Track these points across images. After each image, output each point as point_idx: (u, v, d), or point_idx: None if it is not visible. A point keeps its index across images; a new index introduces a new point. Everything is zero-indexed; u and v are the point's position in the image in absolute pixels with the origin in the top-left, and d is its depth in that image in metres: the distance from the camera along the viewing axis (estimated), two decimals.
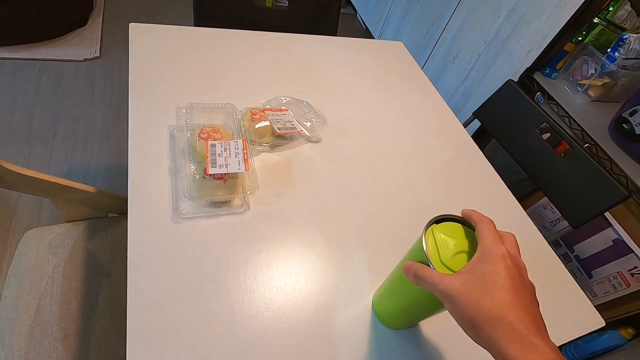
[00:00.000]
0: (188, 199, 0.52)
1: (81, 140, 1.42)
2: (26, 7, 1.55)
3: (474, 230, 0.40)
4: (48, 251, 0.68)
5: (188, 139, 0.55)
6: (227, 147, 0.53)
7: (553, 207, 1.22)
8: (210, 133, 0.55)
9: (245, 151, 0.53)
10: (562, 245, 1.20)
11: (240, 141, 0.53)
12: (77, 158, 1.37)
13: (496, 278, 0.30)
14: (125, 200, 0.80)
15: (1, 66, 1.55)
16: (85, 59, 1.69)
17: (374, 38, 2.28)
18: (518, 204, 0.73)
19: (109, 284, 0.67)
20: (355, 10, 2.53)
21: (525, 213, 0.72)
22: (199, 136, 0.55)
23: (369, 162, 0.69)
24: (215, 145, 0.52)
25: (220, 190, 0.51)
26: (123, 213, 0.80)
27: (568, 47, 1.23)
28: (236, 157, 0.52)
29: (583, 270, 1.14)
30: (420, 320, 0.49)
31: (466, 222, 0.40)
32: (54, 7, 1.65)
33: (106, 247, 0.72)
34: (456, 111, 1.71)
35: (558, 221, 1.22)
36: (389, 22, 2.09)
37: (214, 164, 0.50)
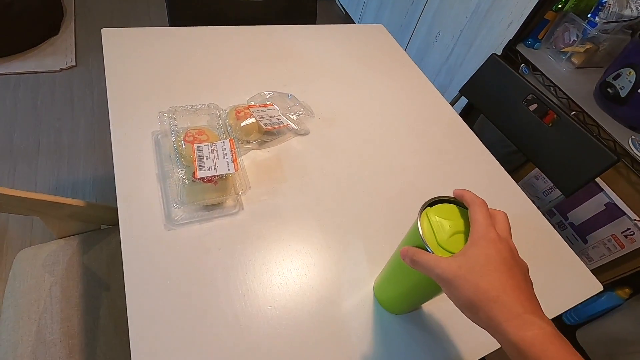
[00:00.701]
0: (179, 204, 0.51)
1: (66, 152, 1.40)
2: None
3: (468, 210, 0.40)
4: (43, 270, 0.67)
5: (173, 144, 0.54)
6: (214, 148, 0.52)
7: (545, 177, 1.24)
8: (196, 135, 0.54)
9: (233, 151, 0.52)
10: (556, 214, 1.22)
11: (227, 141, 0.53)
12: (64, 171, 1.34)
13: (490, 261, 0.31)
14: (116, 210, 0.79)
15: None
16: (62, 69, 1.65)
17: (354, 22, 2.25)
18: (510, 177, 0.73)
19: (108, 297, 0.66)
20: None
21: (517, 186, 0.72)
22: (185, 139, 0.54)
23: (358, 150, 0.68)
24: (201, 147, 0.51)
25: (211, 193, 0.51)
26: (116, 224, 0.79)
27: (549, 15, 1.23)
28: (224, 157, 0.51)
29: (578, 236, 1.15)
30: (421, 304, 0.50)
31: (459, 202, 0.40)
32: (24, 17, 1.60)
33: (102, 259, 0.71)
34: (442, 89, 1.70)
35: (550, 190, 1.23)
36: (368, 5, 2.06)
37: (202, 167, 0.49)
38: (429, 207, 0.39)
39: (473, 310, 0.31)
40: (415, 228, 0.38)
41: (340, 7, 2.43)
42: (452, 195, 0.40)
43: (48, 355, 0.59)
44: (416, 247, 0.37)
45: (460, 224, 0.38)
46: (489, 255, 0.31)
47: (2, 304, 0.65)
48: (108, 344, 0.62)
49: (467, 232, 0.37)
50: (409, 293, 0.45)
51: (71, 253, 0.70)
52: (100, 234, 0.75)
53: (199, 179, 0.50)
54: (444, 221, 0.38)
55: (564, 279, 0.60)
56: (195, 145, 0.51)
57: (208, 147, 0.51)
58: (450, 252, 0.35)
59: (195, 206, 0.52)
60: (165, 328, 0.42)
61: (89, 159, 1.40)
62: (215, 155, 0.51)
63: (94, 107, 1.57)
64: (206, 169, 0.49)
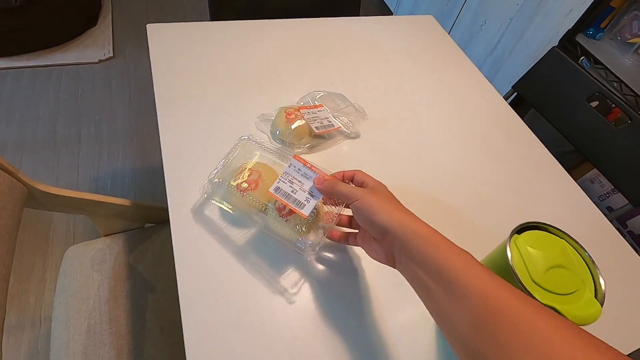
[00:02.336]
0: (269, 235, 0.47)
1: (105, 144, 1.42)
2: (37, 13, 1.53)
3: (563, 238, 0.35)
4: (91, 268, 0.68)
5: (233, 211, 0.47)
6: (289, 177, 0.43)
7: (602, 180, 1.14)
8: (249, 180, 0.46)
9: (309, 165, 0.43)
10: (613, 221, 1.13)
11: (294, 161, 0.43)
12: (104, 163, 1.37)
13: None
14: (160, 209, 0.78)
15: (20, 75, 1.55)
16: (100, 60, 1.67)
17: (390, 10, 2.16)
18: (580, 189, 0.67)
19: (154, 299, 0.66)
20: None
21: (588, 198, 0.66)
22: (241, 189, 0.45)
23: (413, 153, 0.64)
24: (279, 188, 0.42)
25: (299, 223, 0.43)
26: (159, 222, 0.79)
27: (615, 2, 1.11)
28: (307, 178, 0.42)
29: (639, 247, 1.06)
30: None
31: (549, 227, 0.36)
32: (64, 10, 1.62)
33: (147, 259, 0.71)
34: None
35: (608, 195, 1.14)
36: None
37: (299, 204, 0.41)
38: (516, 235, 0.35)
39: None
40: (502, 258, 0.34)
41: None
42: (542, 222, 0.35)
43: (98, 354, 0.59)
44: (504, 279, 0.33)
45: (555, 255, 0.33)
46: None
47: (54, 300, 0.66)
48: (155, 346, 0.62)
49: (566, 265, 0.32)
50: None
51: (117, 252, 0.70)
52: (145, 233, 0.75)
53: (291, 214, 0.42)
54: (536, 252, 0.33)
55: None
56: (271, 191, 0.42)
57: (285, 182, 0.42)
58: (547, 290, 0.31)
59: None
60: (219, 340, 0.40)
61: (127, 150, 1.42)
62: (298, 186, 0.42)
63: (131, 99, 1.58)
64: (305, 203, 0.41)
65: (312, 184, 0.42)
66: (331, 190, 0.39)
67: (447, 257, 0.30)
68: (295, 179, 0.42)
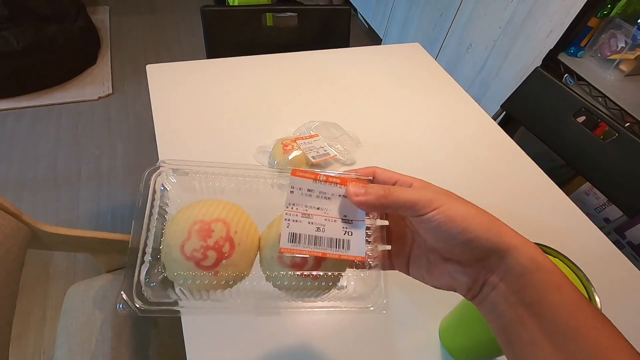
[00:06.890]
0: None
1: (105, 179, 1.44)
2: (38, 56, 1.58)
3: (557, 257, 0.36)
4: (93, 306, 0.67)
5: None
6: (305, 209, 0.26)
7: (597, 193, 1.16)
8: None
9: (324, 177, 0.27)
10: (612, 232, 1.14)
11: (299, 180, 0.27)
12: (104, 197, 1.38)
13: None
14: None
15: (21, 115, 1.59)
16: (100, 97, 1.72)
17: (379, 36, 2.24)
18: (577, 207, 0.68)
19: (157, 335, 0.65)
20: (355, 9, 2.49)
21: (583, 214, 0.67)
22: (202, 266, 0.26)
23: None
24: (295, 234, 0.25)
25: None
26: None
27: (592, 22, 1.17)
28: (327, 198, 0.27)
29: (639, 257, 1.07)
30: (497, 357, 0.46)
31: (545, 249, 0.37)
32: (64, 51, 1.68)
33: None
34: (477, 101, 1.65)
35: (604, 207, 1.15)
36: (394, 19, 2.04)
37: (340, 245, 0.26)
38: None
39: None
40: None
41: (364, 22, 2.43)
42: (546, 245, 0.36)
43: None
44: None
45: None
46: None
47: (56, 341, 0.65)
48: None
49: None
50: (482, 345, 0.41)
51: (119, 288, 0.70)
52: None
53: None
54: None
55: None
56: (287, 247, 0.25)
57: (298, 221, 0.26)
58: None
59: None
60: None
61: (126, 184, 1.43)
62: (321, 217, 0.26)
63: (130, 133, 1.61)
64: (346, 237, 0.26)
65: (340, 202, 0.27)
66: (385, 201, 0.25)
67: (584, 320, 0.21)
68: (311, 206, 0.26)
